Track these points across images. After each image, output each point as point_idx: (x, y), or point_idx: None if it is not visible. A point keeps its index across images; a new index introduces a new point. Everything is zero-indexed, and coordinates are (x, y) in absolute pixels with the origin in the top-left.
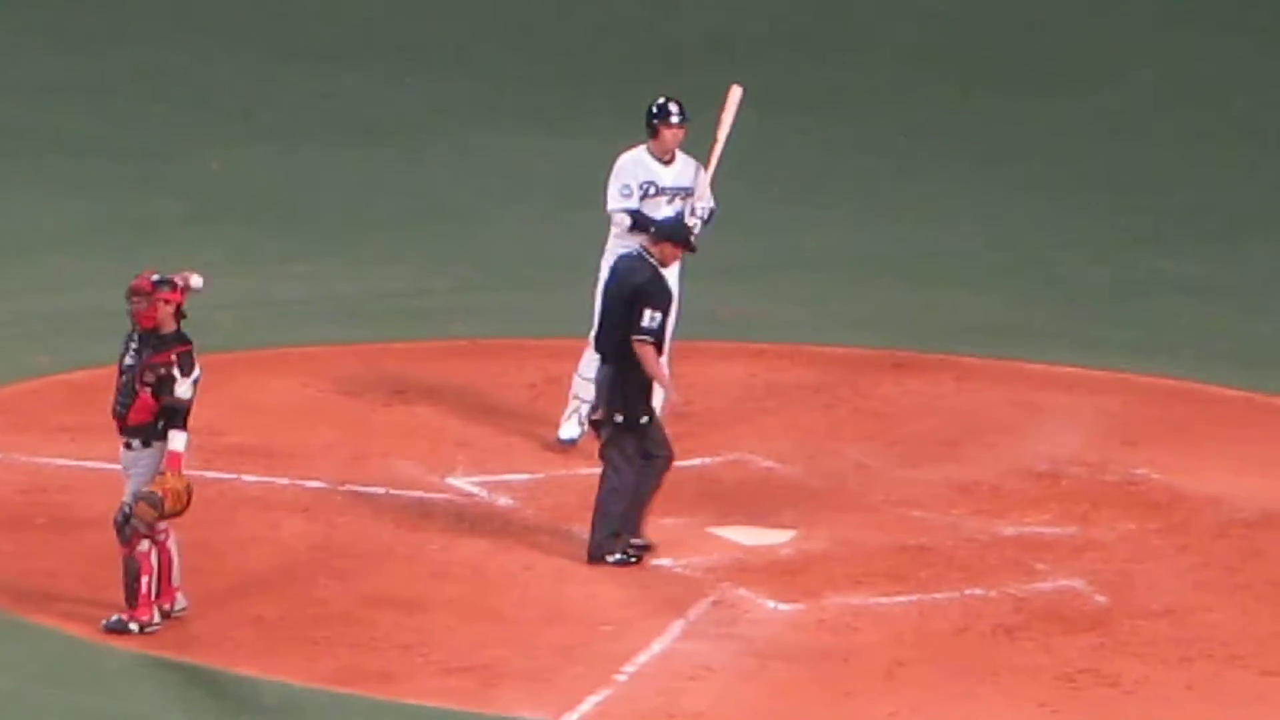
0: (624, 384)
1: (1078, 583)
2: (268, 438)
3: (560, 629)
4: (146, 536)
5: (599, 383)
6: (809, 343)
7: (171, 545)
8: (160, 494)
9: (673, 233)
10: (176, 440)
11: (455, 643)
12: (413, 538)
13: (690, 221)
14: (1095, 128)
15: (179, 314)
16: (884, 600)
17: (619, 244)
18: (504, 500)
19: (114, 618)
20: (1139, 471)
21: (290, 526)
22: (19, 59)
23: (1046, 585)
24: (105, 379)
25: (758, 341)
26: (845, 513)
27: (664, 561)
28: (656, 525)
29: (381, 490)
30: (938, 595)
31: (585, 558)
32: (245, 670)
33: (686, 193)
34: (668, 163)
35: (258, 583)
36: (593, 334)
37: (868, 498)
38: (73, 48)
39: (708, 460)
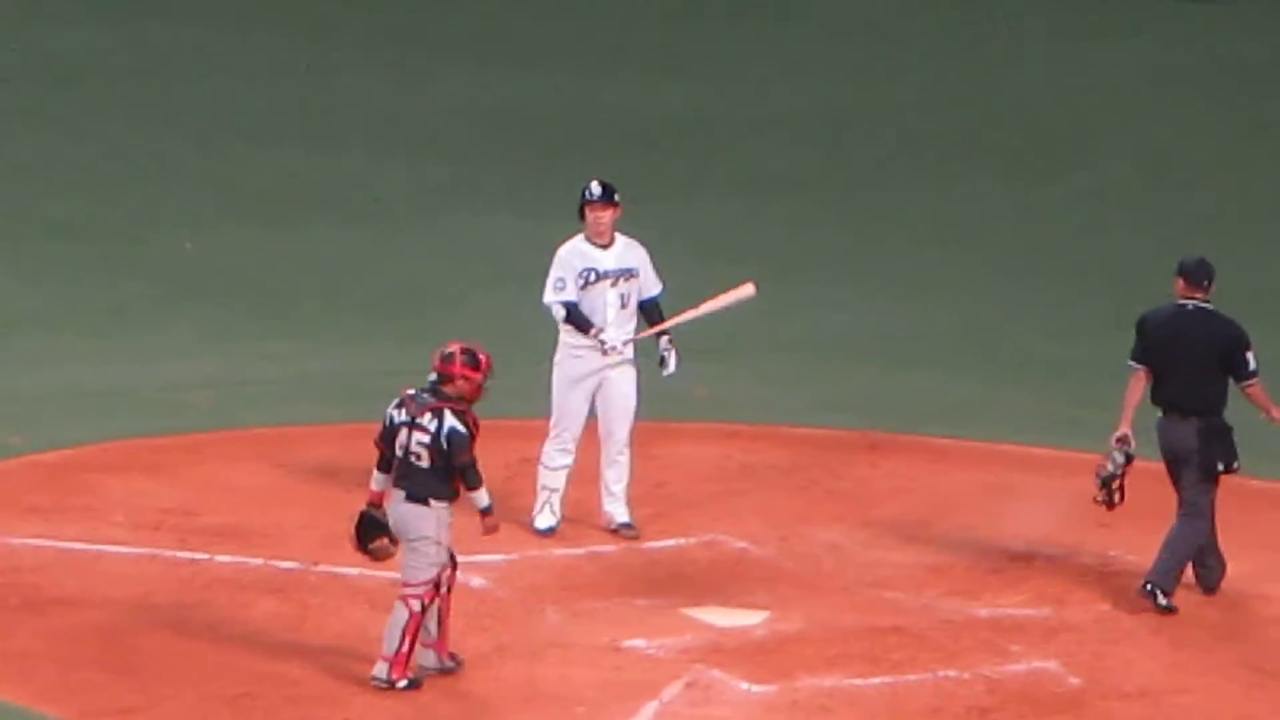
0: (1219, 433)
1: (1051, 664)
2: (241, 518)
3: (533, 710)
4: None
5: (1182, 438)
6: (783, 423)
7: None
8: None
9: (1203, 272)
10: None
11: None
12: (387, 618)
13: (666, 353)
14: (1069, 211)
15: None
16: (858, 682)
17: (568, 336)
18: (477, 581)
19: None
20: (1113, 553)
21: (264, 607)
22: None
23: (1020, 667)
24: (75, 459)
25: (732, 422)
26: (819, 594)
27: (638, 642)
28: (630, 606)
29: (355, 571)
30: (911, 677)
31: (1141, 589)
32: None
33: (630, 274)
34: (606, 246)
35: (231, 663)
36: (561, 421)
37: (841, 579)
38: (47, 128)
39: (682, 541)
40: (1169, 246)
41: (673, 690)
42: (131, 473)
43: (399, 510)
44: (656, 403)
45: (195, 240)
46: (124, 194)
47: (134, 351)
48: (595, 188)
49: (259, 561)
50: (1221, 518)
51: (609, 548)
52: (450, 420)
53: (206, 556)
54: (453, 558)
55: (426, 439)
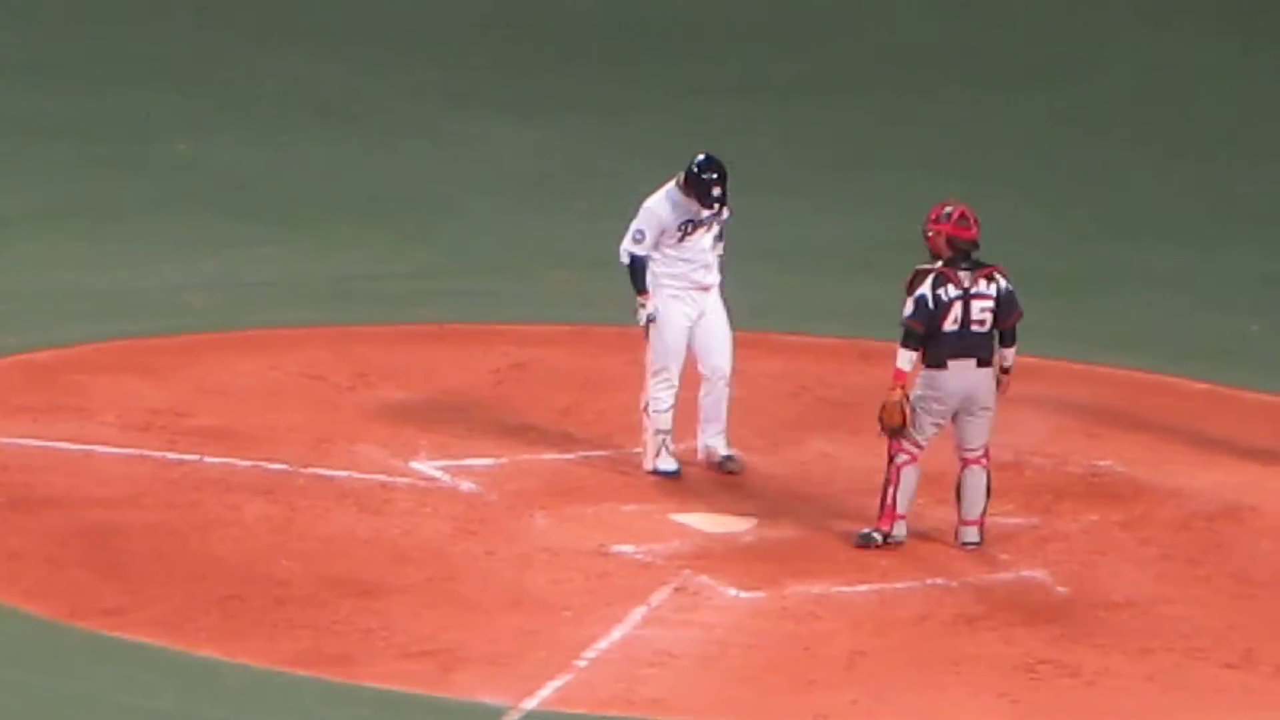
0: None
1: (1039, 573)
2: (232, 420)
3: (521, 614)
4: (899, 451)
5: None
6: (775, 331)
7: (906, 472)
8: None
9: None
10: (898, 358)
11: (416, 627)
12: (375, 521)
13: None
14: (1063, 124)
15: (951, 244)
16: (845, 589)
17: (665, 275)
18: (467, 485)
19: (864, 530)
20: (1102, 463)
21: (252, 509)
22: None
23: (1008, 575)
24: (68, 359)
25: None
26: (808, 501)
27: (626, 548)
28: (618, 512)
29: (344, 473)
30: (899, 584)
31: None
32: (206, 652)
33: (717, 216)
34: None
35: (219, 565)
36: (663, 360)
37: (830, 487)
38: (41, 28)
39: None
40: (1163, 161)
41: (661, 595)
42: (123, 373)
43: (975, 377)
44: None
45: (189, 143)
46: (117, 97)
47: (128, 253)
48: (716, 190)
49: (248, 463)
50: (1213, 430)
51: (599, 453)
52: (1002, 281)
53: (196, 457)
54: None
55: (990, 303)
